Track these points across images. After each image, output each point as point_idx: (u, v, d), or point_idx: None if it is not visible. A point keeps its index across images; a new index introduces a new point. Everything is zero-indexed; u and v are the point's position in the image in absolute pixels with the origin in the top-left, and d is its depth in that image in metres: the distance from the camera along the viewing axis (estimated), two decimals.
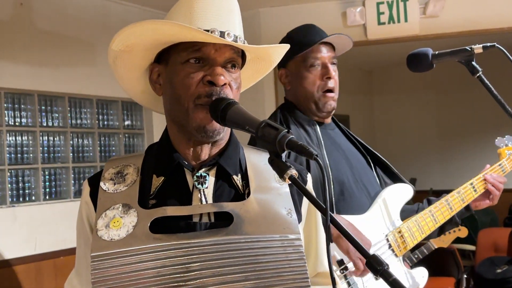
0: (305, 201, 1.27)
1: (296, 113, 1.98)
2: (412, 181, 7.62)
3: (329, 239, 0.94)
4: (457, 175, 7.35)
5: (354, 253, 1.72)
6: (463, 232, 3.23)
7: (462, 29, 4.34)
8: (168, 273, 1.05)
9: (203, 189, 1.16)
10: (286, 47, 1.27)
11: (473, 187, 2.08)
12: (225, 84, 1.15)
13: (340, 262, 1.79)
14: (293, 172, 1.00)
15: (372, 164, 2.08)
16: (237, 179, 1.20)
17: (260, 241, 1.12)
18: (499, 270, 5.00)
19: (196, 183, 1.17)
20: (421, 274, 1.98)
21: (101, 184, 1.18)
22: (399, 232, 1.92)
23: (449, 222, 2.06)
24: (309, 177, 1.32)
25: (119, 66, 1.23)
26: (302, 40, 1.95)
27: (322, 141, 1.93)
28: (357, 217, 1.89)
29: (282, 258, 1.12)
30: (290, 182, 1.00)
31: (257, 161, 1.25)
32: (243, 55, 1.23)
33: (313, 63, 1.95)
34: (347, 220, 1.81)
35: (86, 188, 1.22)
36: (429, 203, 2.10)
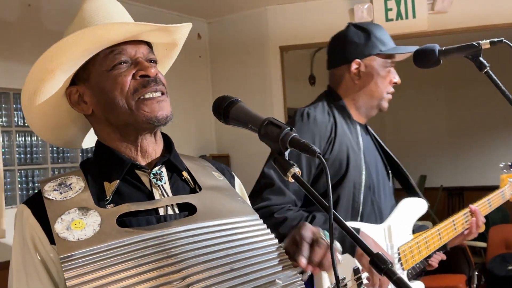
0: (237, 187, 1.35)
1: (342, 108, 1.97)
2: (423, 178, 7.58)
3: (332, 236, 0.94)
4: (467, 172, 7.31)
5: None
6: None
7: (470, 24, 4.31)
8: (150, 260, 1.03)
9: (161, 185, 1.18)
10: (188, 25, 1.28)
11: (489, 204, 2.11)
12: (156, 74, 1.17)
13: (356, 271, 1.77)
14: (296, 170, 1.00)
15: (390, 174, 2.09)
16: (186, 174, 1.24)
17: (227, 224, 1.16)
18: (510, 267, 4.98)
19: (155, 180, 1.17)
20: (418, 287, 1.98)
21: (45, 195, 1.11)
22: (410, 247, 1.92)
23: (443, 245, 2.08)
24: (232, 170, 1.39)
25: (36, 102, 1.18)
26: (387, 42, 1.95)
27: (361, 142, 1.94)
28: (376, 227, 1.89)
29: (251, 234, 1.17)
30: (293, 181, 1.00)
31: (192, 162, 1.30)
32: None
33: (390, 66, 1.96)
34: (370, 237, 1.78)
35: (25, 210, 1.12)
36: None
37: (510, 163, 2.27)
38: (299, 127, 1.86)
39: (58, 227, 1.05)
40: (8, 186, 3.42)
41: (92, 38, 1.13)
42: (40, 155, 3.59)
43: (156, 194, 1.17)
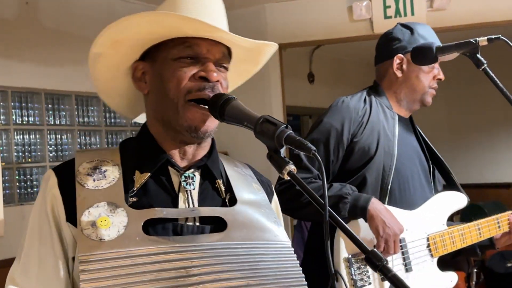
0: (273, 202, 1.29)
1: (383, 99, 2.06)
2: None
3: (327, 236, 0.94)
4: (467, 170, 7.29)
5: (382, 233, 1.77)
6: None
7: (469, 21, 4.30)
8: (167, 277, 1.00)
9: (190, 190, 1.14)
10: (275, 46, 1.25)
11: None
12: (218, 81, 1.14)
13: (349, 260, 1.80)
14: (292, 167, 0.99)
15: (431, 169, 2.13)
16: (220, 183, 1.19)
17: (256, 247, 1.12)
18: (509, 264, 4.98)
19: (184, 183, 1.14)
20: (450, 278, 2.02)
21: (78, 179, 1.09)
22: (442, 235, 1.97)
23: (471, 250, 2.10)
24: (273, 188, 1.34)
25: (100, 64, 1.18)
26: (430, 40, 1.99)
27: (397, 131, 2.00)
28: (404, 211, 1.93)
29: (279, 264, 1.13)
30: (289, 178, 1.00)
31: (233, 169, 1.25)
32: (230, 55, 1.22)
33: (433, 67, 2.04)
34: (384, 205, 1.86)
35: (52, 179, 1.11)
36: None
37: None
38: (331, 111, 1.98)
39: (84, 221, 1.03)
40: (7, 184, 3.42)
41: (187, 28, 1.10)
42: (39, 153, 3.59)
43: (181, 199, 1.13)
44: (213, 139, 1.23)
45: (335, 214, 0.95)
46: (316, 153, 0.96)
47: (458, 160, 7.54)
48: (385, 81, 2.08)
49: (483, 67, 1.74)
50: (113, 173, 1.12)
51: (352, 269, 1.76)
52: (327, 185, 1.78)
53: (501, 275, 4.92)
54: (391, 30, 2.09)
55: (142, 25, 1.11)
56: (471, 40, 1.74)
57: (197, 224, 1.11)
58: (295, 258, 1.16)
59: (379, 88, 2.09)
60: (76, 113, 3.79)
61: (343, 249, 1.78)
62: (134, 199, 1.09)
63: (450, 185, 2.15)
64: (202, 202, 1.15)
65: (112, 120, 4.06)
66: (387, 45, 2.08)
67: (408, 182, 1.98)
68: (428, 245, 1.94)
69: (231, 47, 1.20)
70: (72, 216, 1.06)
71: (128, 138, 1.24)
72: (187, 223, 1.10)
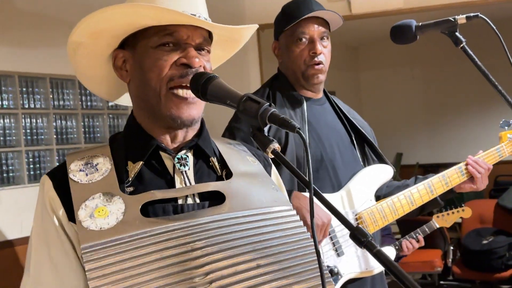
0: (273, 177, 1.29)
1: (286, 87, 2.00)
2: (399, 156, 7.67)
3: (312, 212, 0.94)
4: (443, 149, 7.41)
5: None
6: (466, 212, 3.22)
7: (447, 1, 4.32)
8: (172, 254, 1.00)
9: (185, 171, 1.14)
10: (254, 27, 1.24)
11: (461, 171, 2.08)
12: (200, 66, 1.12)
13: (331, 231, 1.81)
14: (275, 146, 0.99)
15: (355, 143, 2.09)
16: (214, 160, 1.20)
17: (256, 214, 1.12)
18: (485, 241, 5.07)
19: (178, 165, 1.14)
20: (388, 253, 2.03)
21: (71, 176, 1.10)
22: (371, 212, 1.93)
23: (431, 203, 2.08)
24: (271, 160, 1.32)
25: (79, 53, 1.17)
26: (291, 14, 1.97)
27: (306, 118, 1.94)
28: (330, 195, 1.90)
29: (283, 227, 1.13)
30: (273, 156, 1.00)
31: (226, 146, 1.25)
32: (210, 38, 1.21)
33: (301, 37, 1.96)
34: (305, 196, 1.81)
35: (47, 182, 1.11)
36: (416, 181, 2.11)
37: (510, 120, 2.17)
38: (236, 116, 1.91)
39: (82, 214, 1.04)
40: (17, 167, 3.50)
41: (165, 19, 1.09)
42: (14, 138, 3.54)
43: (177, 180, 1.13)
44: (202, 118, 1.22)
45: (319, 191, 0.95)
46: (300, 131, 0.96)
47: (435, 140, 7.66)
48: (280, 67, 2.10)
49: (461, 45, 1.74)
50: (104, 165, 1.12)
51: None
52: None
53: (477, 252, 5.02)
54: None
55: (119, 17, 1.10)
56: (450, 18, 1.75)
57: (197, 201, 1.12)
58: (297, 219, 1.16)
59: (281, 74, 2.07)
60: (51, 96, 3.72)
61: None
62: (131, 189, 1.10)
63: (377, 158, 2.13)
64: (199, 180, 1.15)
65: (89, 103, 4.00)
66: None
67: (328, 165, 1.93)
68: (358, 224, 1.90)
69: (212, 30, 1.19)
70: (73, 215, 1.06)
71: (117, 132, 1.25)
72: (187, 203, 1.11)
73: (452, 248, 5.33)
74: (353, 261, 1.87)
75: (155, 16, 1.09)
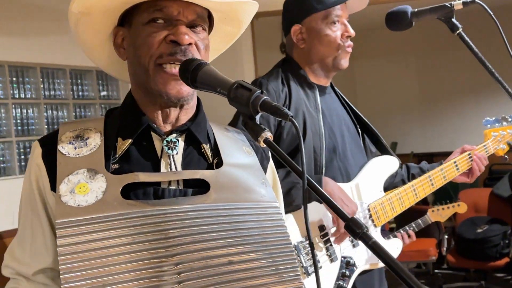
0: (269, 172, 1.26)
1: (298, 73, 1.94)
2: (393, 145, 7.66)
3: (306, 202, 0.91)
4: (437, 138, 7.40)
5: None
6: (462, 207, 3.23)
7: None
8: (145, 239, 0.98)
9: (172, 155, 1.11)
10: (254, 4, 1.19)
11: (456, 166, 2.10)
12: (190, 44, 1.09)
13: (321, 228, 1.78)
14: (268, 134, 0.96)
15: (360, 133, 2.07)
16: (206, 147, 1.16)
17: (239, 208, 1.09)
18: (479, 230, 5.07)
19: (166, 148, 1.11)
20: (396, 245, 2.01)
21: (59, 147, 1.09)
22: (381, 203, 1.94)
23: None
24: (270, 155, 1.28)
25: (81, 30, 1.16)
26: (325, 0, 1.89)
27: (320, 104, 1.91)
28: (343, 185, 1.88)
29: (263, 224, 1.09)
30: (265, 145, 0.96)
31: (223, 134, 1.22)
32: (210, 17, 1.17)
33: (335, 20, 1.90)
34: (336, 183, 1.80)
35: (37, 149, 1.12)
36: (408, 169, 2.13)
37: (493, 118, 2.22)
38: None
39: (63, 188, 1.03)
40: (7, 158, 3.49)
41: None
42: (4, 128, 3.51)
43: (163, 164, 1.10)
44: (199, 103, 1.20)
45: (313, 181, 0.92)
46: (292, 119, 0.93)
47: (429, 129, 7.65)
48: (294, 53, 1.98)
49: (458, 31, 1.71)
50: (94, 140, 1.11)
51: (301, 256, 1.72)
52: None
53: (471, 240, 5.02)
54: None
55: None
56: (446, 4, 1.72)
57: (180, 188, 1.09)
58: (281, 218, 1.13)
59: (293, 61, 1.98)
60: (42, 86, 3.68)
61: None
62: (116, 166, 1.08)
63: (380, 149, 2.11)
64: (186, 166, 1.12)
65: (80, 93, 3.96)
66: (284, 17, 2.00)
67: (343, 155, 1.92)
68: (370, 216, 1.91)
69: (208, 7, 1.15)
70: (55, 186, 1.05)
71: (115, 107, 1.22)
72: (170, 187, 1.08)
73: (446, 237, 5.33)
74: (365, 253, 1.87)
75: None
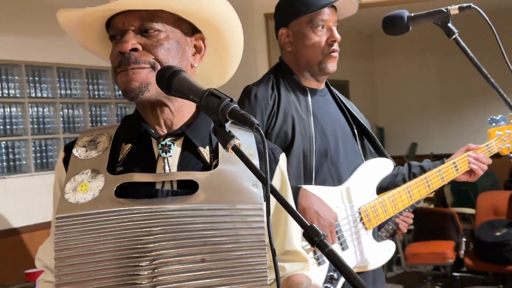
0: (276, 176, 1.27)
1: (290, 77, 1.95)
2: (413, 146, 7.58)
3: (268, 210, 0.92)
4: (458, 139, 7.28)
5: (317, 226, 1.72)
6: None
7: None
8: (129, 235, 1.07)
9: (167, 158, 1.17)
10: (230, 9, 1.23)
11: (455, 167, 2.07)
12: (135, 49, 1.14)
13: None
14: (236, 142, 0.98)
15: (357, 135, 2.06)
16: (204, 151, 1.20)
17: (223, 209, 1.12)
18: (498, 233, 5.00)
19: (161, 151, 1.18)
20: (388, 247, 1.98)
21: (74, 151, 1.20)
22: (373, 206, 1.92)
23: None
24: (282, 157, 1.30)
25: (75, 37, 1.29)
26: (312, 4, 1.91)
27: (312, 110, 1.92)
28: (333, 189, 1.89)
29: (242, 226, 1.12)
30: (233, 152, 0.98)
31: None
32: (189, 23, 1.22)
33: (320, 25, 1.91)
34: (316, 195, 1.80)
35: (61, 154, 1.24)
36: (409, 168, 2.11)
37: (499, 117, 2.19)
38: (241, 103, 1.90)
39: (68, 186, 1.14)
40: (23, 155, 3.57)
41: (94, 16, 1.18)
42: (20, 126, 3.59)
43: (159, 166, 1.17)
44: (198, 108, 1.24)
45: (276, 189, 0.94)
46: (259, 127, 0.95)
47: (450, 129, 7.54)
48: (284, 56, 2.00)
49: (454, 36, 1.71)
50: (103, 144, 1.20)
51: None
52: None
53: (490, 244, 4.95)
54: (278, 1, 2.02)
55: (77, 16, 1.21)
56: (442, 8, 1.71)
57: (174, 189, 1.15)
58: (262, 221, 1.14)
59: (284, 64, 1.99)
60: (58, 85, 3.75)
61: None
62: (121, 168, 1.17)
63: (376, 151, 2.10)
64: (183, 169, 1.17)
65: (96, 93, 4.03)
66: (275, 19, 2.01)
67: (334, 158, 1.92)
68: (361, 219, 1.90)
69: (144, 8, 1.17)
70: None
71: (131, 114, 1.31)
72: (164, 188, 1.14)
73: (464, 239, 5.27)
74: (354, 256, 1.87)
75: (95, 15, 1.17)
